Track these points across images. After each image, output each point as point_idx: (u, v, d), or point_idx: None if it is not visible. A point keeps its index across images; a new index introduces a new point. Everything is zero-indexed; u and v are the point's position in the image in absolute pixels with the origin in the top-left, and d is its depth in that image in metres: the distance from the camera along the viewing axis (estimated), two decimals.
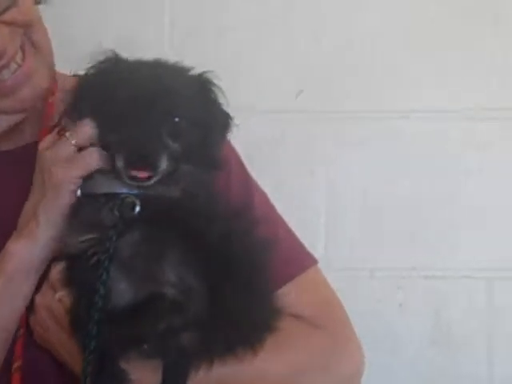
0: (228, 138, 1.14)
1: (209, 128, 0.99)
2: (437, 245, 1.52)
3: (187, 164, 0.98)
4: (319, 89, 1.51)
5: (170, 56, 0.96)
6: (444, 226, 1.52)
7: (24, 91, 1.05)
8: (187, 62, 1.01)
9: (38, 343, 1.03)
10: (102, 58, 0.99)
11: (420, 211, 1.51)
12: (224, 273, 0.95)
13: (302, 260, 1.15)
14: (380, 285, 1.52)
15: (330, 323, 1.10)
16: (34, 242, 1.01)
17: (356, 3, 1.51)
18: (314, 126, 1.51)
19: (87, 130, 0.97)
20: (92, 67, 1.00)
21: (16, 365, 1.03)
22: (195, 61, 1.00)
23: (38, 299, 1.01)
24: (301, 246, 1.17)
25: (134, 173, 0.93)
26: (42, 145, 1.01)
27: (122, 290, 0.95)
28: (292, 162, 1.51)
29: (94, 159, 0.96)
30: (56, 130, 1.02)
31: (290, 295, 1.06)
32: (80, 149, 0.98)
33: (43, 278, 1.03)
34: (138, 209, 0.95)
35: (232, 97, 0.99)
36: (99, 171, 0.97)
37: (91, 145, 0.97)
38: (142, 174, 0.93)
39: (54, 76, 1.14)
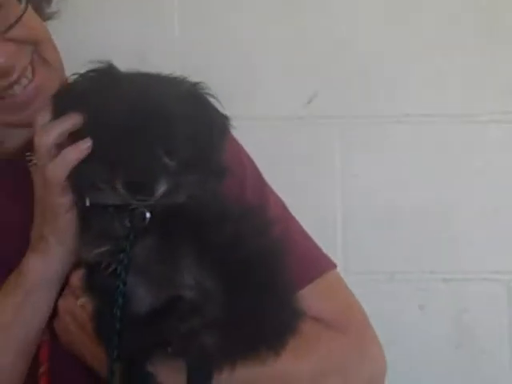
0: (236, 142, 1.17)
1: (207, 137, 0.99)
2: (457, 247, 1.51)
3: (191, 173, 0.98)
4: (332, 93, 1.51)
5: (178, 66, 0.97)
6: (464, 228, 1.51)
7: (36, 105, 1.06)
8: (195, 72, 1.02)
9: (64, 348, 1.05)
10: (95, 67, 1.00)
11: (440, 213, 1.51)
12: (240, 273, 0.96)
13: (321, 263, 1.16)
14: (400, 288, 1.52)
15: (352, 326, 1.11)
16: (49, 257, 1.02)
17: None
18: (328, 131, 1.51)
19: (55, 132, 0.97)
20: (84, 75, 1.00)
21: (42, 369, 1.05)
22: (203, 72, 1.01)
23: (61, 304, 1.03)
24: (319, 250, 1.18)
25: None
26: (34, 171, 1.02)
27: (142, 296, 0.96)
28: (306, 167, 1.51)
29: (67, 159, 0.96)
30: None
31: (309, 298, 1.07)
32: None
33: (65, 282, 1.04)
34: (148, 218, 0.97)
35: (243, 105, 0.99)
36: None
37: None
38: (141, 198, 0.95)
39: None
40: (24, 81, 1.05)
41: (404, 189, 1.51)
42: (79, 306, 0.98)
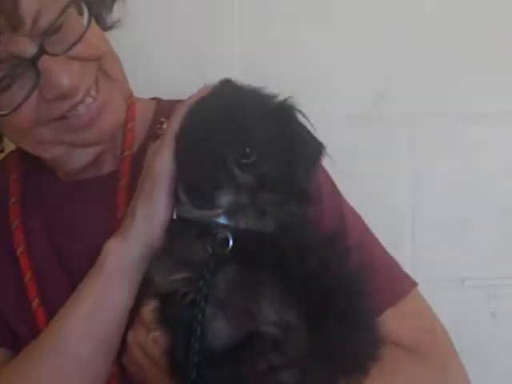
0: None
1: (293, 159, 0.92)
2: None
3: (269, 192, 0.92)
4: (400, 92, 1.43)
5: (239, 69, 0.92)
6: None
7: (102, 123, 1.02)
8: (258, 73, 0.96)
9: (133, 381, 1.01)
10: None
11: None
12: (324, 304, 0.91)
13: (402, 284, 1.10)
14: (471, 294, 1.46)
15: (436, 352, 1.06)
16: (128, 241, 0.98)
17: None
18: (396, 131, 1.44)
19: None
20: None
21: None
22: (266, 72, 0.95)
23: (131, 337, 0.98)
24: (399, 269, 1.12)
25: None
26: (150, 150, 0.99)
27: (219, 329, 0.91)
28: (373, 167, 1.45)
29: None
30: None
31: (390, 322, 1.02)
32: None
33: (134, 313, 1.00)
34: (231, 245, 0.91)
35: (308, 103, 0.94)
36: None
37: None
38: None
39: (131, 101, 1.12)
40: (88, 100, 1.00)
41: (476, 190, 1.44)
42: (151, 340, 0.93)
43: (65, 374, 0.99)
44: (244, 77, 0.97)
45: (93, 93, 1.01)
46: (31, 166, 1.15)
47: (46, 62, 0.95)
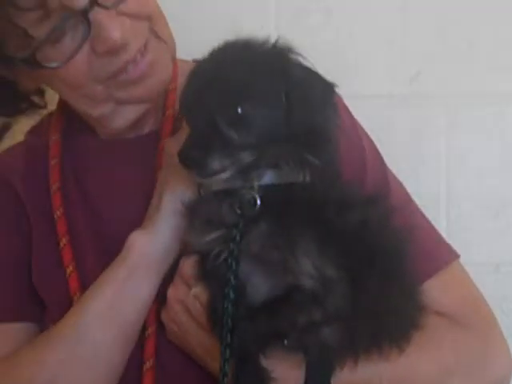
0: (349, 115, 1.09)
1: (290, 103, 0.87)
2: None
3: (279, 146, 0.88)
4: (437, 71, 1.41)
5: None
6: None
7: (149, 81, 1.02)
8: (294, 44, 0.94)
9: (171, 341, 0.99)
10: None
11: None
12: (365, 262, 0.89)
13: (445, 253, 1.08)
14: (506, 280, 1.42)
15: (477, 323, 1.03)
16: (155, 235, 0.98)
17: None
18: (432, 110, 1.42)
19: None
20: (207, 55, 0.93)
21: (148, 365, 0.99)
22: (302, 43, 0.93)
23: (171, 293, 0.97)
24: (441, 238, 1.10)
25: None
26: (168, 140, 1.00)
27: (257, 285, 0.90)
28: (409, 148, 1.42)
29: None
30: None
31: (433, 291, 0.99)
32: None
33: (173, 270, 0.99)
34: (258, 204, 0.89)
35: (344, 83, 0.92)
36: None
37: None
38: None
39: (174, 62, 1.11)
40: (137, 57, 1.00)
41: (507, 175, 1.41)
42: (192, 296, 0.92)
43: (79, 361, 0.98)
44: None
45: (142, 51, 1.00)
46: (71, 125, 1.14)
47: (97, 15, 0.95)
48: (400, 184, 1.12)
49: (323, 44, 1.40)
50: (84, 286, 1.03)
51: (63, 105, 1.14)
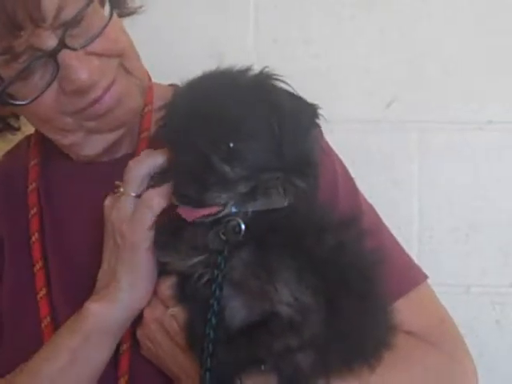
0: (323, 139, 1.11)
1: (280, 131, 0.89)
2: None
3: (270, 173, 0.91)
4: (411, 98, 1.46)
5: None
6: None
7: (117, 112, 1.03)
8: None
9: (146, 358, 1.01)
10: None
11: None
12: (340, 284, 0.91)
13: (414, 275, 1.11)
14: (476, 301, 1.46)
15: (445, 341, 1.06)
16: (113, 305, 0.98)
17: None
18: (406, 136, 1.46)
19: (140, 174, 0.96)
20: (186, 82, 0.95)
21: (122, 380, 1.01)
22: (280, 70, 0.96)
23: (147, 313, 0.98)
24: (411, 260, 1.14)
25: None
26: (107, 203, 1.00)
27: (236, 309, 0.92)
28: (382, 172, 1.47)
29: (155, 203, 0.94)
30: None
31: (402, 311, 1.01)
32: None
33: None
34: (243, 230, 0.91)
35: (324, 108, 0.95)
36: None
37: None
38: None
39: (149, 85, 1.13)
40: (105, 94, 1.01)
41: (483, 198, 1.46)
42: (169, 315, 0.94)
43: None
44: None
45: (110, 86, 1.01)
46: (49, 149, 1.15)
47: (65, 56, 0.96)
48: (371, 207, 1.14)
49: (301, 70, 1.43)
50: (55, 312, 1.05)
51: None
